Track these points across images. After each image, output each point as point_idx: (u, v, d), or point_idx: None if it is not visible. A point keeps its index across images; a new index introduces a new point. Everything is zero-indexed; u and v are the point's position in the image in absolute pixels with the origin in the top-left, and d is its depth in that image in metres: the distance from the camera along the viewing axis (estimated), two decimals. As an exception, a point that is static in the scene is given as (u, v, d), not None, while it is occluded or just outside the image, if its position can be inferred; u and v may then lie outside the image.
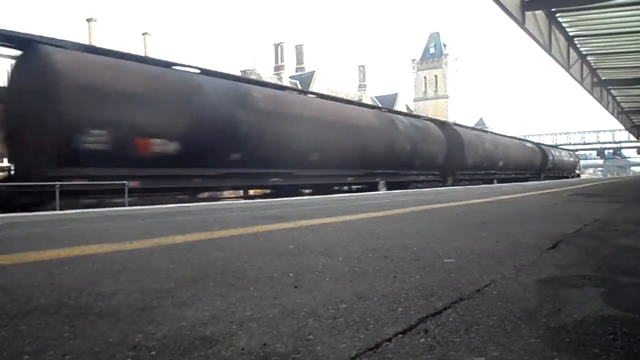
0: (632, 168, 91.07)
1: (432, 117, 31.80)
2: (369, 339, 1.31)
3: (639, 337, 1.35)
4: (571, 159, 47.41)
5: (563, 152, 45.34)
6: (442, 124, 22.64)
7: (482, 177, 23.85)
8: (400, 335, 1.35)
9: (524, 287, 1.93)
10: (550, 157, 37.06)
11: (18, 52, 8.60)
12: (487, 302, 1.70)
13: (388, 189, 15.35)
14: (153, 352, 1.22)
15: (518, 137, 39.30)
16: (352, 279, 2.05)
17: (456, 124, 25.63)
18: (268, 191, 13.15)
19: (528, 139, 49.67)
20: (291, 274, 2.13)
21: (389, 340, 1.31)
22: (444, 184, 20.02)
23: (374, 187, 15.74)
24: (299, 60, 64.74)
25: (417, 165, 18.24)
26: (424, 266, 2.32)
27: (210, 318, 1.50)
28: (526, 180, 28.43)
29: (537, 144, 37.59)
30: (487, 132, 30.11)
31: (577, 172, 49.59)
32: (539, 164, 33.68)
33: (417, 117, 23.43)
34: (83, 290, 1.83)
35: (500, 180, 25.37)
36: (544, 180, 31.25)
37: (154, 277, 2.08)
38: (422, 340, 1.32)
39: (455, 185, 19.65)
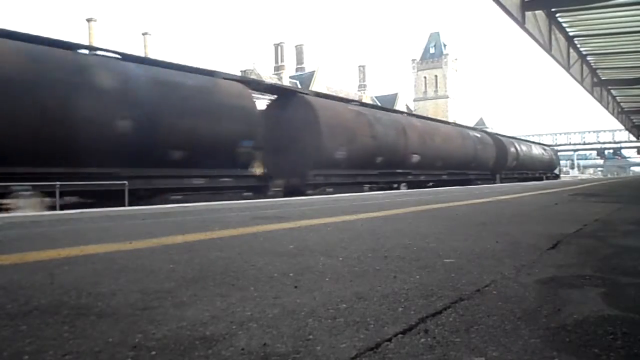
0: (632, 168, 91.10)
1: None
2: (369, 339, 1.31)
3: (639, 337, 1.35)
4: (546, 155, 36.71)
5: (534, 147, 34.68)
6: (261, 86, 13.07)
7: (373, 180, 14.94)
8: (400, 335, 1.35)
9: (524, 287, 1.93)
10: (513, 152, 27.81)
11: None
12: (487, 302, 1.70)
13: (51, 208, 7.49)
14: (153, 352, 1.22)
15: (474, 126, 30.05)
16: (352, 279, 2.05)
17: (313, 93, 14.73)
18: None
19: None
20: (291, 274, 2.13)
21: (389, 340, 1.31)
22: (264, 192, 11.32)
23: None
24: (299, 60, 64.82)
25: (172, 160, 9.53)
26: (424, 266, 2.32)
27: (210, 318, 1.50)
28: (467, 183, 20.69)
29: (492, 134, 27.90)
30: (390, 110, 20.52)
31: (556, 172, 39.69)
32: (492, 161, 25.05)
33: (196, 70, 11.12)
34: (83, 290, 1.83)
35: (414, 185, 16.71)
36: (501, 183, 24.36)
37: (154, 277, 2.08)
38: (422, 340, 1.32)
39: (302, 196, 10.73)
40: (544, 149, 37.81)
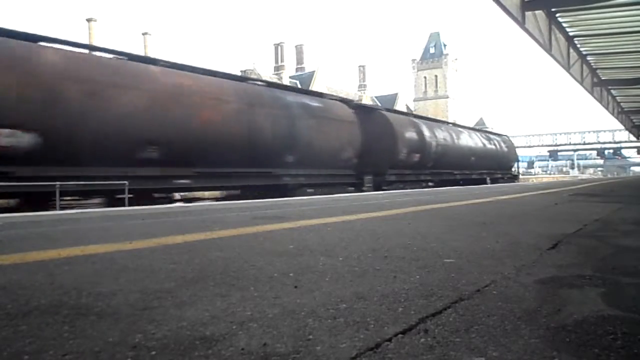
0: (632, 168, 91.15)
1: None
2: (369, 339, 1.31)
3: (639, 337, 1.35)
4: (491, 146, 25.89)
5: (467, 134, 23.73)
6: None
7: None
8: (400, 335, 1.35)
9: (524, 287, 1.93)
10: (411, 139, 17.06)
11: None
12: (487, 302, 1.70)
13: None
14: (153, 352, 1.22)
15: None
16: (352, 279, 2.05)
17: None
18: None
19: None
20: (291, 274, 2.13)
21: (389, 340, 1.31)
22: None
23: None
24: (299, 60, 64.77)
25: None
26: (424, 266, 2.32)
27: (210, 318, 1.50)
28: (276, 192, 11.19)
29: (357, 104, 17.82)
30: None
31: (513, 171, 30.11)
32: (354, 153, 14.63)
33: None
34: (83, 290, 1.83)
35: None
36: (380, 190, 13.66)
37: (154, 277, 2.08)
38: (422, 340, 1.32)
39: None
40: (489, 139, 26.30)
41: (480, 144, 24.56)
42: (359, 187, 14.79)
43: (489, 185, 19.00)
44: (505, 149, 28.60)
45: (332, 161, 13.94)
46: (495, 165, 26.58)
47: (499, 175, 26.85)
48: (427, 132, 18.73)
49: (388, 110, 19.36)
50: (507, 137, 32.36)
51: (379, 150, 15.44)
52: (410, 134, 17.34)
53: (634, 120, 37.71)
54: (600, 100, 23.50)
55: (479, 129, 30.77)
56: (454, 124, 26.74)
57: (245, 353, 1.22)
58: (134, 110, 9.00)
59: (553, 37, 13.69)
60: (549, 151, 72.92)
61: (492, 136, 28.18)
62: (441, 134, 20.16)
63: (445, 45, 79.72)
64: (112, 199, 8.95)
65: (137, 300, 1.69)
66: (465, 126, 28.33)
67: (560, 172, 79.89)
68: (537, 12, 12.29)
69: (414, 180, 17.69)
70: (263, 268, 2.27)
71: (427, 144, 18.46)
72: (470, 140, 23.48)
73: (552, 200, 7.99)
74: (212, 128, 10.30)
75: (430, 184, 18.58)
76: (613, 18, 13.01)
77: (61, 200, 8.18)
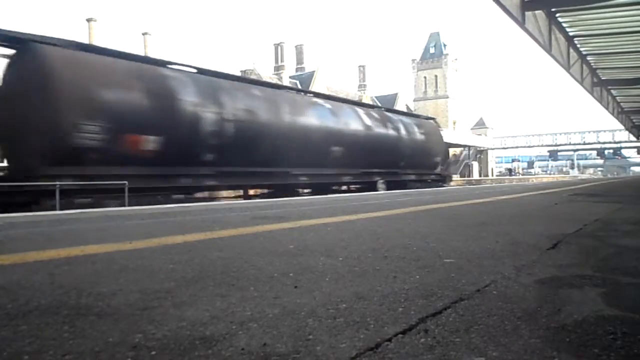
0: (632, 168, 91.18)
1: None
2: (369, 339, 1.31)
3: (639, 337, 1.35)
4: (386, 131, 16.26)
5: (325, 107, 13.91)
6: None
7: None
8: (400, 335, 1.35)
9: (524, 287, 1.93)
10: (135, 107, 8.85)
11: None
12: (487, 302, 1.70)
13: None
14: (153, 352, 1.22)
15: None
16: (352, 279, 2.05)
17: None
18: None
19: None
20: (291, 274, 2.13)
21: (389, 340, 1.31)
22: None
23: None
24: (299, 60, 64.74)
25: None
26: (424, 266, 2.32)
27: (210, 318, 1.50)
28: None
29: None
30: None
31: (438, 171, 20.23)
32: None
33: None
34: (83, 290, 1.82)
35: None
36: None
37: (154, 277, 2.08)
38: (422, 340, 1.32)
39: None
40: (383, 120, 16.53)
41: (357, 127, 14.41)
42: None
43: (384, 192, 11.81)
44: (421, 137, 18.02)
45: None
46: (400, 162, 16.74)
47: (412, 177, 17.35)
48: (188, 96, 9.81)
49: (77, 44, 9.42)
50: (434, 121, 21.78)
51: (16, 128, 8.00)
52: (125, 95, 8.87)
53: (634, 120, 37.68)
54: (600, 100, 23.48)
55: (374, 105, 18.48)
56: (309, 92, 15.50)
57: (245, 353, 1.22)
58: None
59: (553, 37, 13.68)
60: (549, 151, 72.77)
61: (394, 117, 17.29)
62: (240, 102, 10.98)
63: (445, 45, 79.66)
64: None
65: (137, 300, 1.69)
66: (330, 95, 17.05)
67: (560, 172, 79.89)
68: (537, 12, 12.28)
69: (155, 188, 9.33)
70: (263, 268, 2.27)
71: (189, 117, 9.87)
72: (330, 119, 13.31)
73: (552, 200, 7.98)
74: None
75: (223, 193, 10.88)
76: (613, 18, 13.01)
77: None
